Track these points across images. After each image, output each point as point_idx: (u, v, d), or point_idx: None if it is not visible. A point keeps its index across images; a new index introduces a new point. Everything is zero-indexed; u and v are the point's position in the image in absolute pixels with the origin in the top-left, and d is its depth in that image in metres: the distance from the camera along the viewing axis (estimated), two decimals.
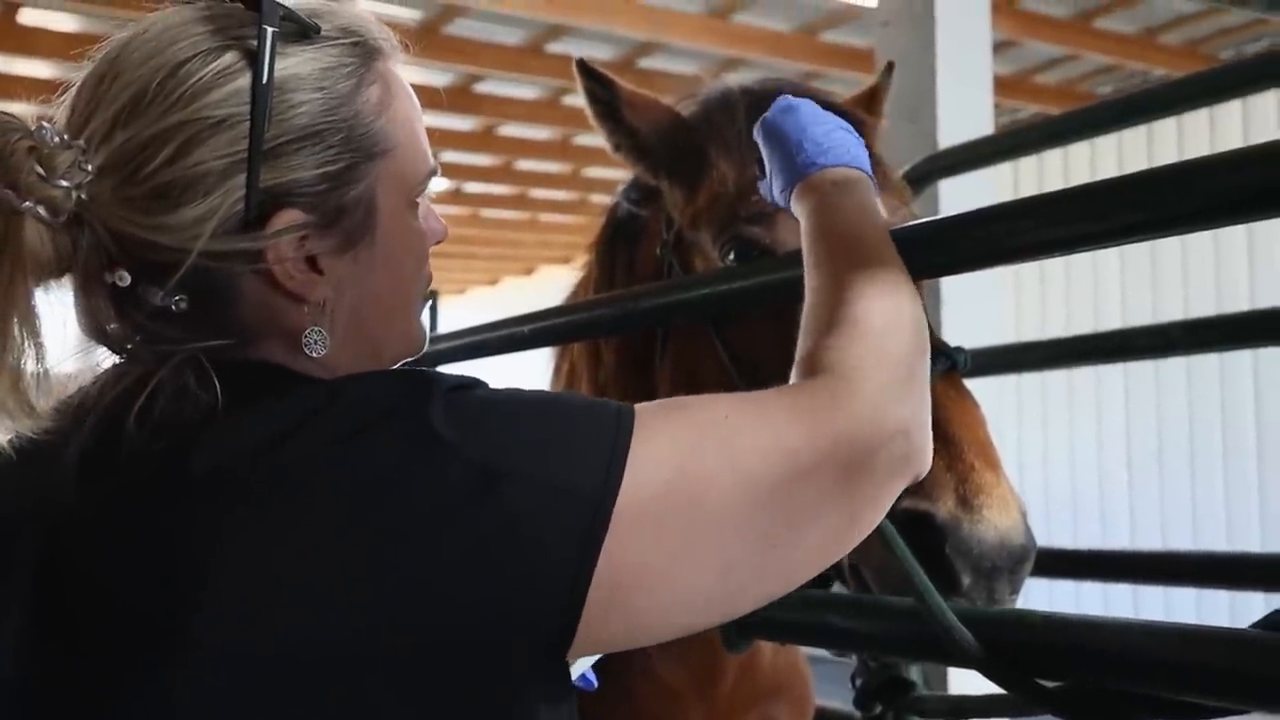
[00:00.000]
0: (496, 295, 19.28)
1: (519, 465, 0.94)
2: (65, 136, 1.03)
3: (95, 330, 1.09)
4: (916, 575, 1.14)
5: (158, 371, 1.03)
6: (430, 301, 4.78)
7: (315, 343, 1.08)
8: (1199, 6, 8.56)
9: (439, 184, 13.31)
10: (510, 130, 11.19)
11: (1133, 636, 0.95)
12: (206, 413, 1.00)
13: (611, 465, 0.96)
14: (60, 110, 1.10)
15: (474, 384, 1.04)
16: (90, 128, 1.04)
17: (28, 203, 0.97)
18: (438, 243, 1.25)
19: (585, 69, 1.84)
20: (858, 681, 1.58)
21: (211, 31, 1.06)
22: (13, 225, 0.97)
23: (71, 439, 1.02)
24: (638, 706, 1.92)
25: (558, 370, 2.11)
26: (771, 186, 1.40)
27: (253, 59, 1.04)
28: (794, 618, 1.33)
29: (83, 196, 1.00)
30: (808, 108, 1.41)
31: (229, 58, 1.04)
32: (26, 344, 0.97)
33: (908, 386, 1.14)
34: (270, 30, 1.04)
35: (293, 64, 1.07)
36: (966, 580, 1.31)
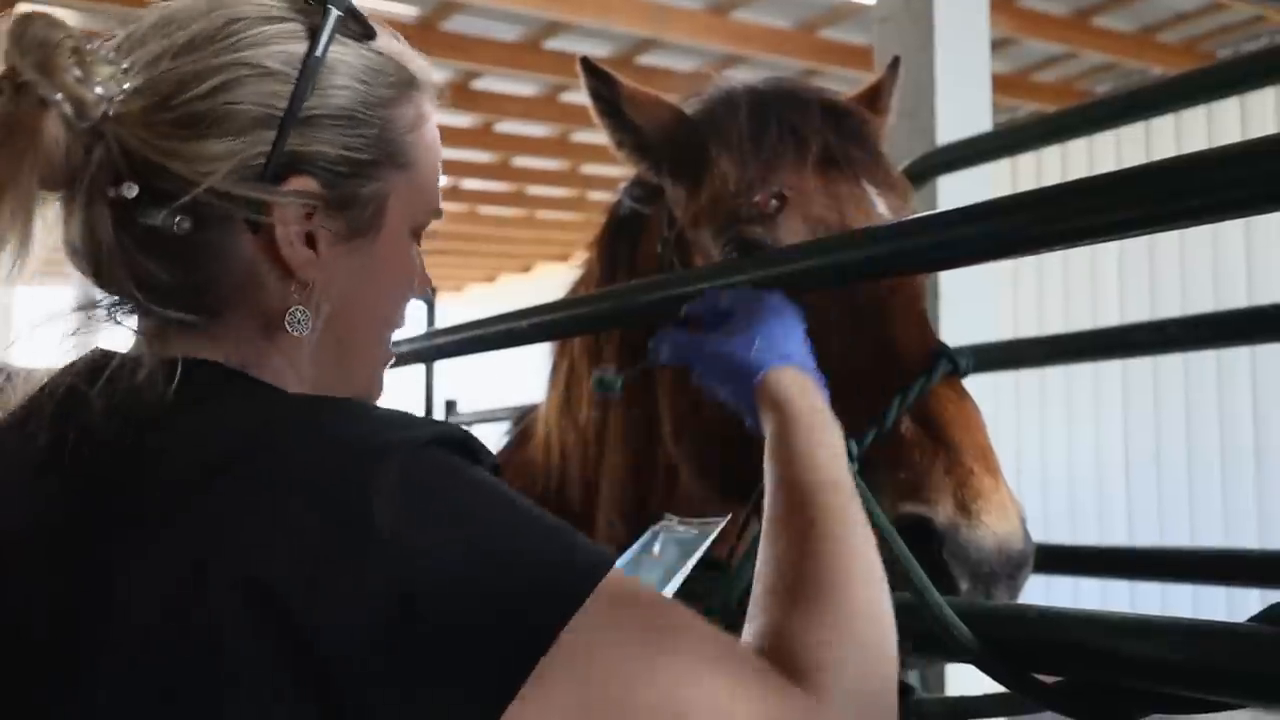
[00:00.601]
0: (494, 292, 19.26)
1: (441, 606, 0.86)
2: (111, 54, 1.04)
3: (84, 252, 1.07)
4: (914, 571, 1.15)
5: (115, 358, 1.02)
6: (428, 297, 4.72)
7: (300, 322, 1.07)
8: (1197, 4, 8.56)
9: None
10: (508, 127, 11.18)
11: (1129, 631, 0.95)
12: (151, 414, 0.97)
13: (516, 674, 0.85)
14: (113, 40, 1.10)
15: (454, 445, 0.97)
16: (135, 54, 1.05)
17: (59, 95, 0.97)
18: (418, 295, 1.24)
19: (588, 66, 1.84)
20: None
21: (278, 4, 1.09)
22: (36, 116, 0.96)
23: (24, 425, 1.00)
24: None
25: (556, 369, 2.09)
26: (713, 374, 1.37)
27: (312, 34, 1.07)
28: None
29: (109, 112, 1.00)
30: (774, 300, 1.38)
31: (290, 26, 1.08)
32: (15, 243, 0.98)
33: (885, 693, 1.00)
34: (335, 12, 1.08)
35: (345, 53, 1.10)
36: (964, 585, 1.30)
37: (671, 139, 1.82)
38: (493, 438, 2.56)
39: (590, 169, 12.32)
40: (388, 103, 1.12)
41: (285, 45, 1.06)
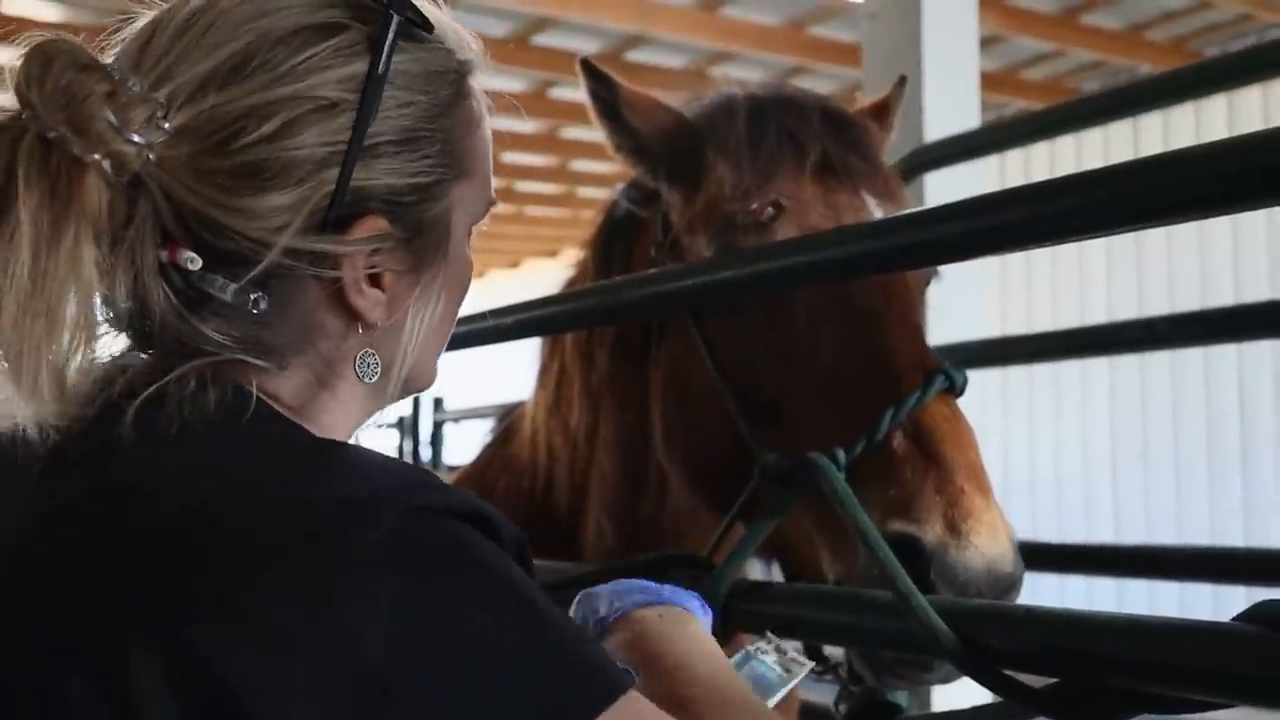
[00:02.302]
0: (482, 288, 19.23)
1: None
2: (145, 85, 0.90)
3: (129, 317, 0.95)
4: (895, 571, 1.14)
5: (165, 371, 0.91)
6: None
7: (370, 368, 0.98)
8: (1185, 2, 8.57)
9: None
10: (496, 123, 11.09)
11: (1113, 631, 0.94)
12: (181, 433, 0.88)
13: None
14: (128, 45, 0.96)
15: (468, 517, 0.86)
16: (175, 82, 0.91)
17: (96, 155, 0.85)
18: None
19: (588, 68, 1.81)
20: (841, 708, 1.57)
21: (325, 3, 0.96)
22: (76, 178, 0.85)
23: (74, 434, 0.89)
24: None
25: (546, 370, 2.06)
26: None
27: (370, 43, 0.95)
28: (776, 611, 1.33)
29: (151, 158, 0.88)
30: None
31: (347, 37, 0.95)
32: (81, 319, 0.86)
33: None
34: (397, 18, 0.96)
35: (405, 61, 0.98)
36: None
37: (669, 143, 1.80)
38: (479, 434, 2.55)
39: (579, 165, 12.30)
40: (447, 108, 1.02)
41: (345, 66, 0.93)
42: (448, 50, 1.05)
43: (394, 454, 4.68)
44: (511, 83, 10.17)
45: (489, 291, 18.84)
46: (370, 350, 0.99)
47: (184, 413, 0.88)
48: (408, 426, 4.55)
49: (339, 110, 0.92)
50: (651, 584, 1.20)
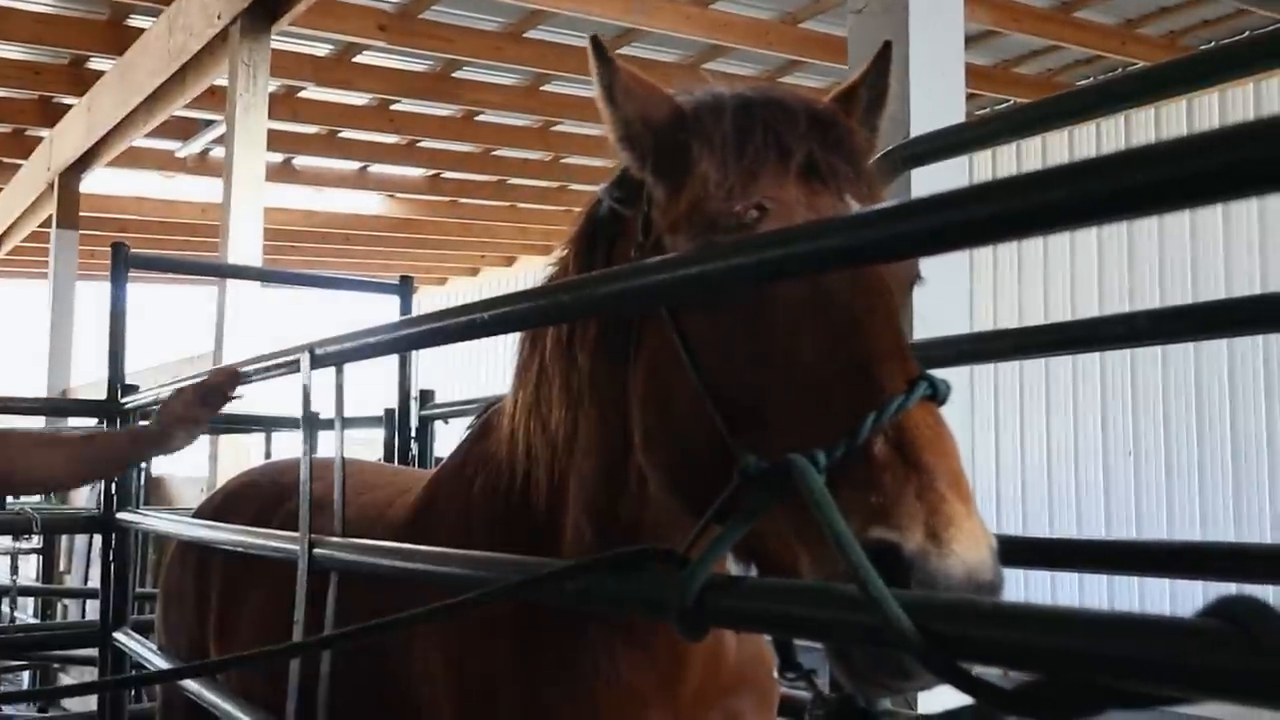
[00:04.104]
0: (476, 286, 19.22)
1: None
2: None
3: None
4: (866, 573, 1.13)
5: None
6: (404, 287, 4.67)
7: None
8: None
9: (413, 172, 13.16)
10: (489, 117, 11.15)
11: (1079, 626, 0.94)
12: None
13: None
14: None
15: None
16: None
17: None
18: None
19: (597, 47, 1.79)
20: (818, 713, 1.56)
21: None
22: None
23: None
24: (602, 712, 1.90)
25: (525, 367, 2.04)
26: None
27: None
28: (748, 605, 1.32)
29: None
30: None
31: None
32: None
33: None
34: None
35: None
36: None
37: (659, 134, 1.78)
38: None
39: (572, 160, 12.30)
40: None
41: None
42: None
43: (381, 450, 4.67)
44: (504, 77, 10.17)
45: (484, 290, 18.84)
46: None
47: None
48: (395, 421, 4.53)
49: None
50: None
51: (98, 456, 2.83)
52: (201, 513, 3.27)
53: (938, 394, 1.44)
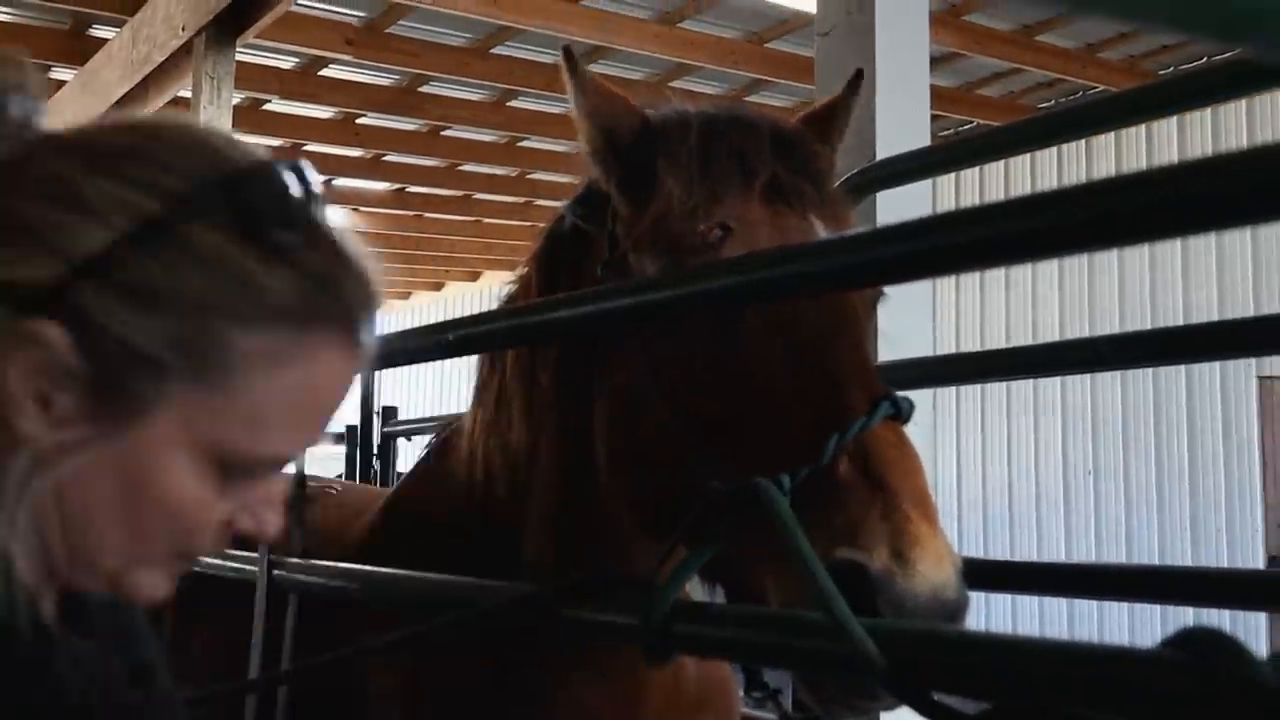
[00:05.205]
0: (441, 301, 19.16)
1: None
2: None
3: None
4: (832, 596, 1.13)
5: None
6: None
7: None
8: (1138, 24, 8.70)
9: (378, 186, 13.11)
10: (456, 132, 11.12)
11: (1045, 655, 0.94)
12: None
13: None
14: None
15: None
16: None
17: None
18: (244, 535, 1.01)
19: (569, 57, 1.78)
20: None
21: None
22: None
23: None
24: None
25: (485, 387, 2.01)
26: None
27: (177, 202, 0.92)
28: (714, 633, 1.31)
29: None
30: None
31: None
32: None
33: None
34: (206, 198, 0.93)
35: (215, 241, 0.92)
36: None
37: (627, 148, 1.77)
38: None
39: (539, 176, 12.29)
40: (250, 322, 0.91)
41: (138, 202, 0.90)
42: (301, 285, 0.94)
43: (343, 466, 4.63)
44: (471, 93, 10.15)
45: (448, 305, 18.78)
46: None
47: None
48: (357, 439, 4.49)
49: (98, 219, 0.89)
50: None
51: None
52: None
53: (900, 413, 1.44)
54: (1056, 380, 10.08)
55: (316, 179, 1.00)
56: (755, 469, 1.38)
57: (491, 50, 8.94)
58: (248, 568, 2.29)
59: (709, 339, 1.56)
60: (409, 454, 4.15)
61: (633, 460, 1.67)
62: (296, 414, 0.96)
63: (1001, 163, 10.58)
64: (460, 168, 12.31)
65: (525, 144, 11.33)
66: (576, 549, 1.82)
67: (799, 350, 1.50)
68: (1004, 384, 10.40)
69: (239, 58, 7.85)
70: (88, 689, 0.95)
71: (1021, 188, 10.39)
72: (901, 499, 1.35)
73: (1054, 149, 10.18)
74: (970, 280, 10.97)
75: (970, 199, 10.29)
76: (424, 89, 9.93)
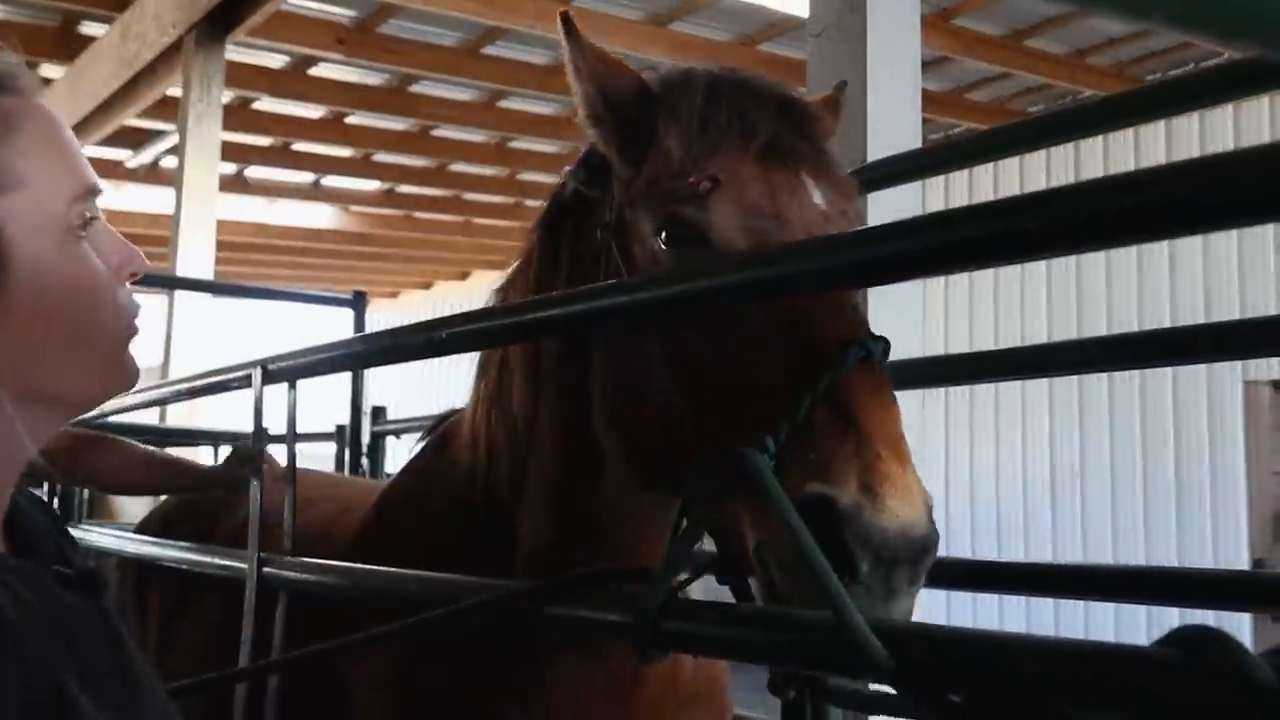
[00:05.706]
0: (429, 299, 19.13)
1: None
2: None
3: None
4: (835, 590, 1.13)
5: None
6: (358, 302, 4.64)
7: None
8: (1126, 29, 8.74)
9: (368, 185, 13.07)
10: (445, 132, 11.11)
11: (1041, 653, 0.95)
12: None
13: None
14: None
15: None
16: None
17: None
18: (134, 274, 1.14)
19: (567, 22, 1.80)
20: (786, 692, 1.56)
21: None
22: None
23: None
24: (551, 713, 1.89)
25: (488, 361, 2.03)
26: None
27: None
28: (710, 632, 1.32)
29: None
30: None
31: None
32: None
33: None
34: None
35: None
36: (865, 568, 1.28)
37: (625, 109, 1.79)
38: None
39: (528, 176, 12.28)
40: None
41: None
42: None
43: (333, 464, 4.62)
44: (461, 93, 10.15)
45: (436, 302, 18.76)
46: None
47: None
48: (347, 437, 4.48)
49: None
50: None
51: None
52: (147, 526, 3.21)
53: (871, 355, 1.44)
54: (1044, 382, 10.12)
55: None
56: (742, 428, 1.40)
57: (482, 50, 8.94)
58: (237, 565, 2.28)
59: (705, 316, 1.58)
60: (398, 453, 4.15)
61: (629, 419, 1.68)
62: (52, 161, 1.08)
63: (990, 166, 10.62)
64: (450, 167, 12.30)
65: (515, 144, 11.33)
66: (573, 521, 1.84)
67: (788, 315, 1.50)
68: (992, 385, 10.43)
69: (229, 56, 7.85)
70: (26, 600, 0.97)
71: (1010, 191, 10.42)
72: (874, 439, 1.36)
73: (1042, 152, 10.22)
74: (959, 282, 11.00)
75: (959, 202, 10.34)
76: (414, 88, 9.92)
